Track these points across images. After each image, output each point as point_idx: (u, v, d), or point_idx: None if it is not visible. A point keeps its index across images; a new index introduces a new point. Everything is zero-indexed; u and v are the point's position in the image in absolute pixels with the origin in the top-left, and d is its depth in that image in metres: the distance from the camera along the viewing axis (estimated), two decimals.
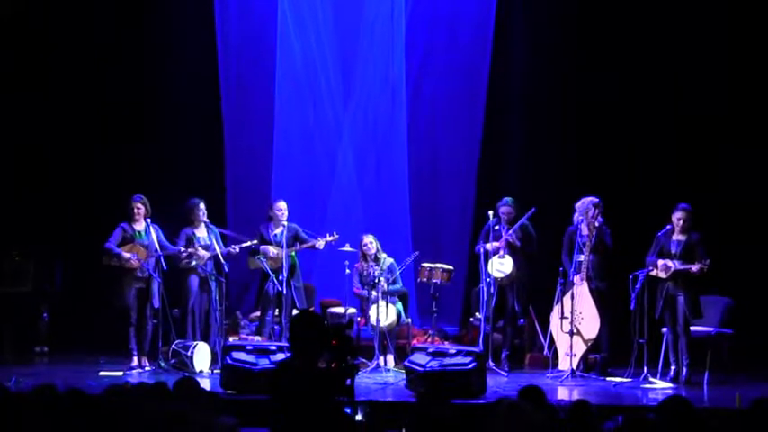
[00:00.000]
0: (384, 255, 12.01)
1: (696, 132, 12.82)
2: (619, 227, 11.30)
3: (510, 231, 11.42)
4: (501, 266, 11.40)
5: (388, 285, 11.70)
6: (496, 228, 11.55)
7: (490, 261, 11.41)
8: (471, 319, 12.49)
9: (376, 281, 11.61)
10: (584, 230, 11.11)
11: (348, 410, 5.92)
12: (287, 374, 6.00)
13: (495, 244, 11.41)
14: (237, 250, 11.58)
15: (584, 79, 13.08)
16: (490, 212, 11.55)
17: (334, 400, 5.94)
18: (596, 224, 11.00)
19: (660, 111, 12.99)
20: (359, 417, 5.94)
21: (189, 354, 10.95)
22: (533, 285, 11.76)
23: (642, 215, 11.70)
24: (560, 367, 11.11)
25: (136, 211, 11.27)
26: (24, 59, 13.17)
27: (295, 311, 11.47)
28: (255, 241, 11.66)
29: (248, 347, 10.09)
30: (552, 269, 11.25)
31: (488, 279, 11.34)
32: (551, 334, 11.36)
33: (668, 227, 10.76)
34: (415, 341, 11.73)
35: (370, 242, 11.97)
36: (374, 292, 11.58)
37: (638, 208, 12.18)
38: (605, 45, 12.99)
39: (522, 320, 12.02)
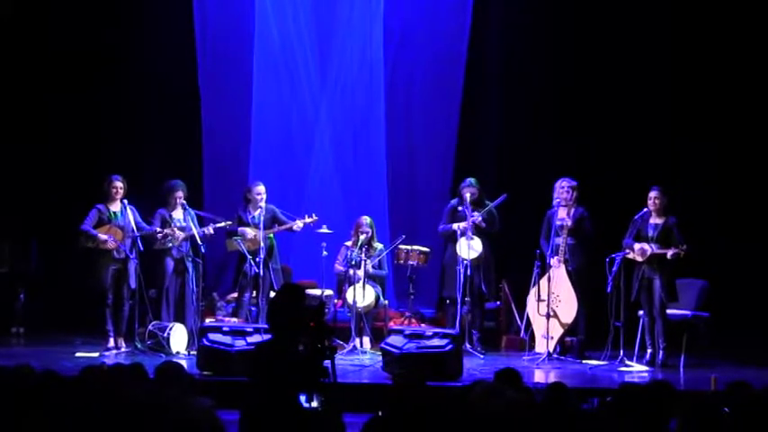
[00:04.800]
0: (377, 243, 11.96)
1: (673, 117, 12.89)
2: (596, 210, 11.33)
3: (477, 216, 11.40)
4: (472, 247, 11.39)
5: (372, 268, 11.70)
6: (459, 208, 11.57)
7: (459, 243, 11.41)
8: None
9: (359, 261, 11.58)
10: (561, 213, 11.14)
11: (303, 397, 5.80)
12: (266, 356, 5.98)
13: (464, 224, 11.43)
14: (212, 231, 11.45)
15: (562, 62, 13.10)
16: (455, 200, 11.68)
17: (316, 382, 5.90)
18: (571, 203, 11.06)
19: (638, 92, 12.99)
20: (314, 404, 5.79)
21: (165, 335, 10.91)
22: (508, 268, 11.78)
23: (619, 198, 11.71)
24: (537, 350, 11.14)
25: (115, 190, 11.17)
26: None
27: (273, 294, 11.44)
28: (230, 222, 11.60)
29: (225, 329, 10.08)
30: (530, 252, 11.26)
31: (465, 262, 11.32)
32: (528, 316, 11.37)
33: (645, 210, 10.79)
34: (391, 323, 11.72)
35: (367, 224, 11.83)
36: (358, 272, 11.53)
37: (615, 191, 12.17)
38: (583, 28, 12.99)
39: (498, 303, 12.02)
